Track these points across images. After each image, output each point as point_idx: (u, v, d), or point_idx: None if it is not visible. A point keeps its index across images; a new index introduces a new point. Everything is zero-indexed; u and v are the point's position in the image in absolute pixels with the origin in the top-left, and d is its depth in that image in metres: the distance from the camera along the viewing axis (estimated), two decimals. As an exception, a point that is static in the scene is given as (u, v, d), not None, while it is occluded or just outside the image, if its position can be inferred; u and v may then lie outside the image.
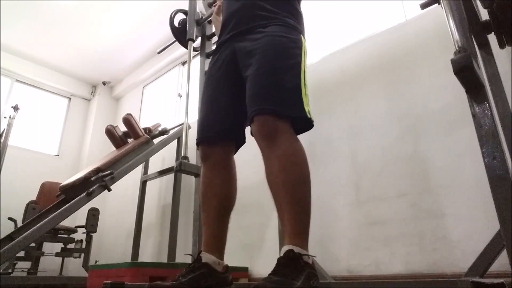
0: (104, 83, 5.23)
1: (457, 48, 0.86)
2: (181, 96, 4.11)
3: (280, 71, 1.07)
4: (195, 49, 2.00)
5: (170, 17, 2.08)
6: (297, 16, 1.26)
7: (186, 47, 1.98)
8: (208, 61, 1.99)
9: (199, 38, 2.09)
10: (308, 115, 1.06)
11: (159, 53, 2.49)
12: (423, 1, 1.31)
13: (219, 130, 1.19)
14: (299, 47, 1.15)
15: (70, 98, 5.11)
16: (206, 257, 1.05)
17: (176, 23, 2.13)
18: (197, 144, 1.23)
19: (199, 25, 2.00)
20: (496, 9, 1.18)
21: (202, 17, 2.00)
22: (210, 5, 2.13)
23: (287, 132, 1.02)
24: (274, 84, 1.05)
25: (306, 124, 1.09)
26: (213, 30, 2.11)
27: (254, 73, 1.09)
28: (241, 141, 1.26)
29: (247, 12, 1.24)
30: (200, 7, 2.05)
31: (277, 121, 1.01)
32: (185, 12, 2.09)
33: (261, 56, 1.10)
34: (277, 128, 1.00)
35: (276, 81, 1.06)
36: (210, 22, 2.11)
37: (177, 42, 2.18)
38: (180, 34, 2.07)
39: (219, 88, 1.23)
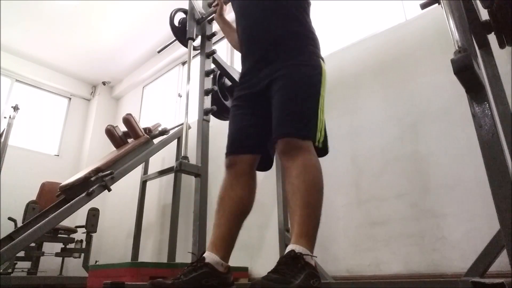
0: (104, 83, 5.23)
1: (457, 48, 0.86)
2: (181, 96, 4.11)
3: (301, 99, 1.18)
4: (195, 48, 2.00)
5: (170, 16, 2.08)
6: (315, 39, 1.35)
7: (186, 46, 1.97)
8: (208, 60, 1.99)
9: (199, 37, 2.09)
10: (317, 143, 1.15)
11: (159, 52, 2.48)
12: (423, 1, 1.31)
13: (247, 144, 1.29)
14: (319, 73, 1.25)
15: (70, 98, 5.11)
16: (209, 257, 1.05)
17: (176, 23, 2.13)
18: (226, 155, 1.31)
19: (199, 24, 2.00)
20: (496, 9, 1.18)
21: (202, 16, 2.00)
22: (210, 5, 2.13)
23: (307, 149, 1.11)
24: (295, 112, 1.15)
25: (320, 150, 1.19)
26: (213, 30, 2.11)
27: (278, 100, 1.19)
28: (268, 159, 1.33)
29: (269, 39, 1.32)
30: (200, 6, 2.04)
31: (299, 141, 1.11)
32: (185, 11, 2.09)
33: (284, 85, 1.20)
34: (299, 146, 1.11)
35: (297, 109, 1.16)
36: (210, 21, 2.11)
37: (177, 41, 2.18)
38: (180, 34, 2.07)
39: (248, 109, 1.32)
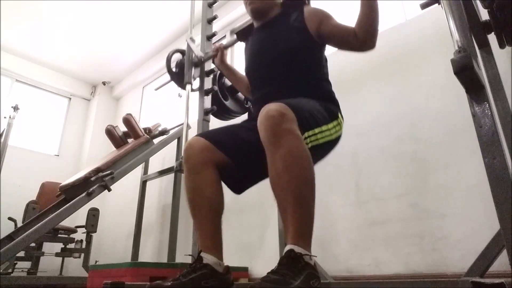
0: (104, 83, 5.23)
1: (457, 48, 0.86)
2: (181, 96, 4.11)
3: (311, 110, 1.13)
4: (193, 90, 1.91)
5: (167, 59, 1.97)
6: (334, 97, 1.37)
7: (184, 88, 1.91)
8: (208, 61, 1.98)
9: (200, 37, 2.06)
10: (308, 141, 1.08)
11: (156, 90, 2.45)
12: (423, 1, 1.31)
13: (228, 145, 1.20)
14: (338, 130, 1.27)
15: (70, 98, 5.11)
16: (207, 258, 1.04)
17: (173, 62, 2.02)
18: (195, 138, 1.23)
19: (197, 67, 1.90)
20: (496, 9, 1.18)
21: (201, 59, 1.91)
22: (210, 5, 2.13)
23: (294, 132, 0.97)
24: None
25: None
26: (213, 30, 2.11)
27: None
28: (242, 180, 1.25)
29: (282, 84, 1.30)
30: (198, 50, 1.95)
31: (287, 118, 0.97)
32: (182, 52, 1.99)
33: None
34: (287, 127, 0.97)
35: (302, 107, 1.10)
36: (210, 22, 2.10)
37: (176, 40, 2.15)
38: (177, 77, 1.97)
39: (245, 134, 1.24)
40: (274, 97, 1.13)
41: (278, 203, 0.98)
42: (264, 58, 1.38)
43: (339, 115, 1.31)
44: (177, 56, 2.00)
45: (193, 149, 1.20)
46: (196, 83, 1.91)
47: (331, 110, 1.26)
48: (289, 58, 1.31)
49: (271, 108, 0.99)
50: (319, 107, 1.19)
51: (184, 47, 1.96)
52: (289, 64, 1.31)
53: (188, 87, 1.84)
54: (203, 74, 1.89)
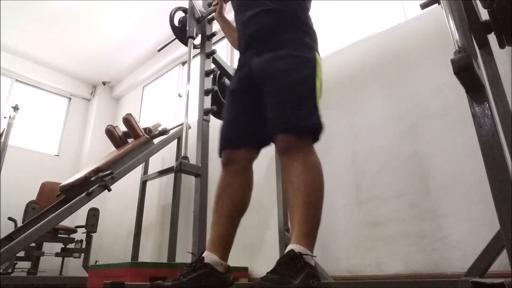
0: (104, 83, 5.23)
1: (457, 48, 0.86)
2: (181, 96, 4.11)
3: (298, 91, 1.16)
4: (195, 47, 2.00)
5: (170, 15, 2.08)
6: (311, 33, 1.34)
7: (186, 44, 1.98)
8: (208, 60, 1.99)
9: (199, 36, 2.09)
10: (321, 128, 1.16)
11: (159, 50, 2.49)
12: (423, 1, 1.31)
13: (244, 135, 1.26)
14: (313, 66, 1.23)
15: (70, 98, 5.11)
16: (208, 257, 1.05)
17: (176, 21, 2.13)
18: (221, 150, 1.28)
19: (199, 23, 2.00)
20: (496, 9, 1.18)
21: (202, 15, 2.00)
22: (210, 5, 2.13)
23: (307, 148, 1.13)
24: (291, 105, 1.14)
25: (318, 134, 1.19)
26: (213, 30, 2.11)
27: (273, 94, 1.18)
28: (265, 143, 1.30)
29: (265, 34, 1.31)
30: (200, 5, 2.04)
31: (298, 140, 1.11)
32: (185, 10, 2.09)
33: (280, 78, 1.19)
34: (299, 145, 1.11)
35: (294, 100, 1.14)
36: (210, 21, 2.11)
37: (177, 41, 2.18)
38: (180, 32, 2.08)
39: (242, 99, 1.31)
40: (261, 49, 1.27)
41: (289, 206, 1.09)
42: (248, 12, 1.38)
43: (317, 55, 1.28)
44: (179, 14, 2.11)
45: (233, 158, 1.26)
46: (197, 41, 2.01)
47: (313, 57, 1.26)
48: (273, 8, 1.31)
49: (286, 138, 1.11)
50: (305, 71, 1.20)
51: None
52: (272, 13, 1.31)
53: (190, 42, 1.90)
54: (205, 33, 1.99)
